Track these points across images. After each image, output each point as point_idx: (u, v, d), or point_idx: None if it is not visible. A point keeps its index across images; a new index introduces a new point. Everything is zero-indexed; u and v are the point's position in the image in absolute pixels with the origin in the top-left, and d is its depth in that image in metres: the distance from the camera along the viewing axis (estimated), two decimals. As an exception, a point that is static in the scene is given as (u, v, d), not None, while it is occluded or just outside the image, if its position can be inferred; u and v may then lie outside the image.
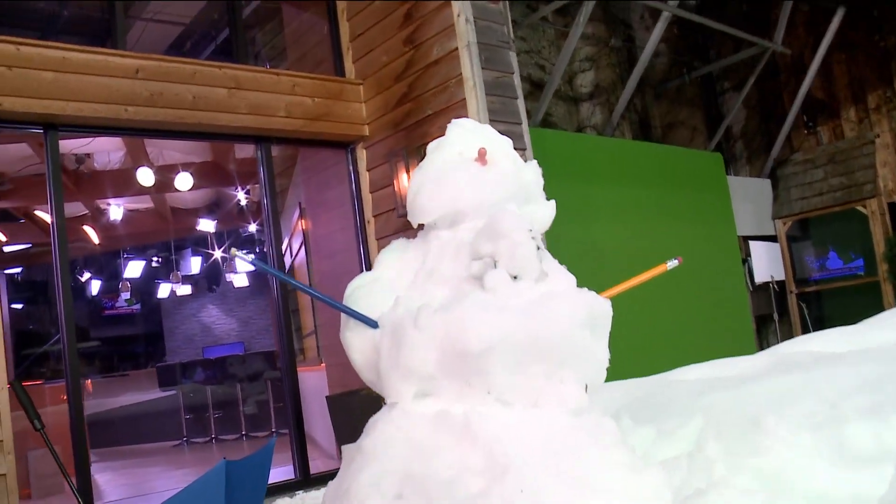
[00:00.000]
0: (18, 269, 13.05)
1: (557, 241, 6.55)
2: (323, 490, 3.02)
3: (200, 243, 14.21)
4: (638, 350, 7.19)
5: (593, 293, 2.35)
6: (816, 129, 10.62)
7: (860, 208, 9.86)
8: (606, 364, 2.33)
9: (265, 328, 16.54)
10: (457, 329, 2.12)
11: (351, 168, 6.58)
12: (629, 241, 7.57)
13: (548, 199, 2.86)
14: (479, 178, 2.45)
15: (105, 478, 8.23)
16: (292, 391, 5.91)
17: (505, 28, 5.94)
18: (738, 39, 9.79)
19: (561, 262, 2.53)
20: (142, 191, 9.08)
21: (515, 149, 5.85)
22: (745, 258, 9.82)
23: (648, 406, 2.82)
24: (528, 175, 2.62)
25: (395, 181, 5.98)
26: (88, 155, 8.49)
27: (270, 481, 5.09)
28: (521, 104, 5.93)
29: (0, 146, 7.46)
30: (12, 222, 9.93)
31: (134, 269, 14.00)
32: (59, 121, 4.96)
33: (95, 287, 15.06)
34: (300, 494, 5.28)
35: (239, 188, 10.43)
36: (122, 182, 9.09)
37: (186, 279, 15.06)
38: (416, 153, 5.68)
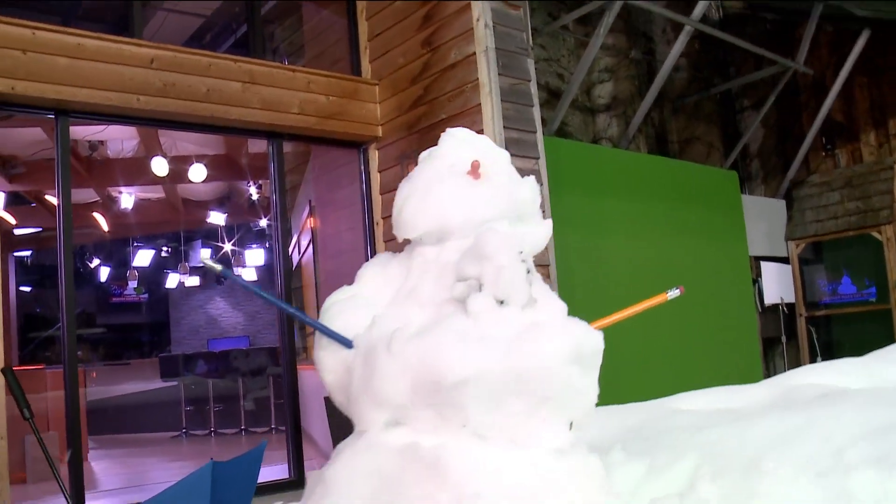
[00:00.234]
0: (28, 253, 13.08)
1: (567, 252, 6.50)
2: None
3: (210, 236, 14.24)
4: (642, 365, 7.13)
5: (584, 325, 2.16)
6: (835, 151, 10.51)
7: (875, 234, 9.74)
8: (594, 401, 2.13)
9: (271, 323, 16.53)
10: (431, 358, 1.97)
11: (362, 168, 6.54)
12: (639, 255, 7.50)
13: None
14: (469, 193, 2.29)
15: (101, 466, 8.22)
16: (291, 389, 5.86)
17: (524, 34, 5.90)
18: (760, 57, 9.70)
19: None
20: (154, 180, 9.09)
21: (528, 157, 5.85)
22: (756, 278, 9.73)
23: (642, 437, 2.69)
24: (523, 192, 2.43)
25: (405, 184, 5.93)
26: (102, 142, 8.50)
27: (263, 480, 5.06)
28: (536, 112, 5.88)
29: (14, 130, 7.49)
30: (24, 205, 9.97)
31: (143, 257, 14.05)
32: (70, 107, 4.94)
33: (104, 274, 15.10)
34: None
35: (251, 183, 10.42)
36: (134, 170, 9.11)
37: (195, 270, 15.09)
38: (428, 157, 5.62)
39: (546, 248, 5.79)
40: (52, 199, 9.26)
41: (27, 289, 14.99)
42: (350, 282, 2.73)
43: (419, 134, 5.97)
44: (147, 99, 5.14)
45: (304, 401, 6.89)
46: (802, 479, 2.39)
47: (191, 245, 14.94)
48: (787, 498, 2.33)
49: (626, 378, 6.93)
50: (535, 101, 5.89)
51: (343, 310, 2.36)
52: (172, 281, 15.50)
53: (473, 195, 2.29)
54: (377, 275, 2.47)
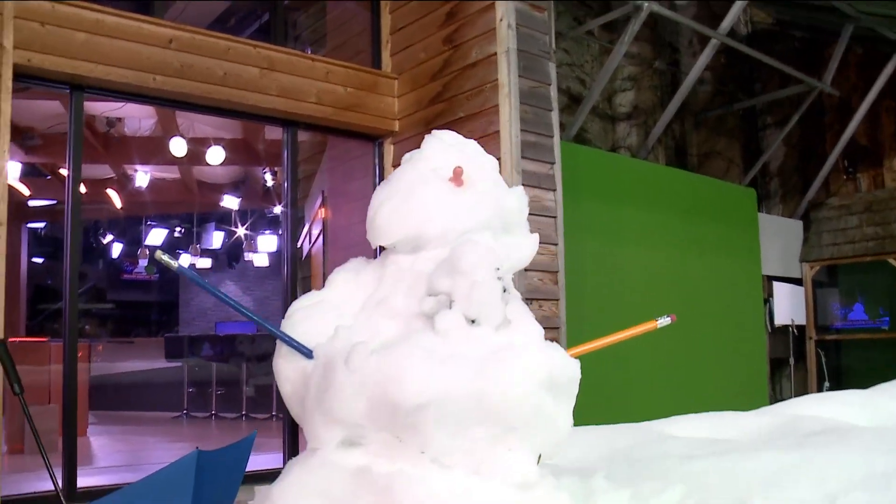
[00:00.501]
0: (42, 225, 13.14)
1: (579, 258, 6.44)
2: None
3: (224, 219, 14.26)
4: (646, 378, 7.06)
5: (560, 351, 1.98)
6: (856, 175, 10.37)
7: (892, 261, 9.62)
8: (567, 433, 1.95)
9: (280, 310, 16.45)
10: (391, 377, 1.81)
11: (377, 162, 6.50)
12: (651, 267, 7.43)
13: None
14: (450, 201, 2.10)
15: (100, 442, 8.23)
16: (290, 379, 5.82)
17: (547, 38, 5.84)
18: (786, 75, 9.58)
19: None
20: (169, 160, 9.09)
21: (544, 161, 5.79)
22: (767, 298, 9.62)
23: (629, 462, 2.56)
24: (510, 202, 2.23)
25: (418, 180, 5.88)
26: (120, 119, 8.51)
27: (258, 467, 5.04)
28: (555, 116, 5.82)
29: (33, 102, 7.50)
30: (39, 178, 9.99)
31: (156, 236, 14.09)
32: (85, 82, 4.92)
33: (116, 250, 15.16)
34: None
35: (266, 169, 10.41)
36: (150, 149, 9.11)
37: (206, 252, 15.11)
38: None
39: (556, 254, 5.75)
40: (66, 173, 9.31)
41: (39, 260, 15.07)
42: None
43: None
44: (163, 79, 5.12)
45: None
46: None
47: (204, 227, 14.96)
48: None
49: (629, 390, 6.87)
50: (555, 105, 5.83)
51: (308, 316, 2.20)
52: (184, 262, 15.51)
53: (454, 203, 2.11)
54: (349, 280, 2.27)
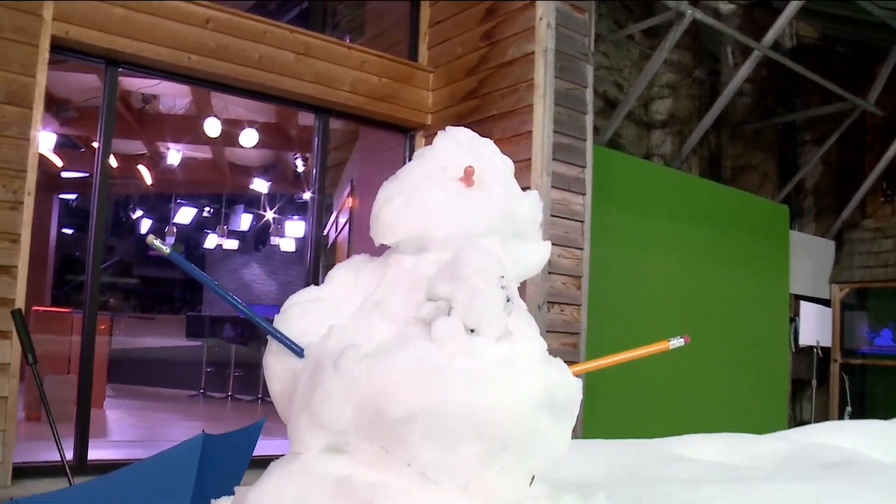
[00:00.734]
0: (73, 196, 13.28)
1: (604, 263, 6.37)
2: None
3: (253, 202, 14.33)
4: (665, 391, 6.97)
5: (562, 368, 1.84)
6: (894, 197, 10.17)
7: (925, 288, 9.43)
8: (563, 455, 1.90)
9: (303, 295, 16.57)
10: (379, 385, 1.71)
11: (407, 154, 6.47)
12: (678, 277, 7.33)
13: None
14: (458, 202, 1.97)
15: (116, 415, 8.30)
16: (306, 367, 5.82)
17: (586, 39, 5.77)
18: (828, 92, 9.40)
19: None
20: (202, 139, 9.13)
21: (575, 164, 5.72)
22: (793, 317, 9.46)
23: (634, 482, 2.48)
24: (523, 206, 2.09)
25: (446, 175, 5.84)
26: (155, 96, 8.56)
27: (265, 452, 5.02)
28: (589, 119, 5.75)
29: (72, 75, 7.56)
30: (73, 149, 10.09)
31: (184, 215, 14.19)
32: (121, 57, 4.95)
33: (145, 226, 15.30)
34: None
35: (297, 154, 10.43)
36: (184, 128, 9.16)
37: (233, 234, 15.20)
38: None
39: (581, 259, 5.68)
40: (100, 147, 9.40)
41: (69, 231, 15.25)
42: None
43: (468, 127, 5.86)
44: (199, 59, 5.13)
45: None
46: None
47: (232, 209, 15.04)
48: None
49: (644, 403, 6.78)
50: (590, 108, 5.76)
51: (303, 312, 2.05)
52: (211, 242, 15.63)
53: (462, 204, 1.98)
54: (349, 278, 2.11)
